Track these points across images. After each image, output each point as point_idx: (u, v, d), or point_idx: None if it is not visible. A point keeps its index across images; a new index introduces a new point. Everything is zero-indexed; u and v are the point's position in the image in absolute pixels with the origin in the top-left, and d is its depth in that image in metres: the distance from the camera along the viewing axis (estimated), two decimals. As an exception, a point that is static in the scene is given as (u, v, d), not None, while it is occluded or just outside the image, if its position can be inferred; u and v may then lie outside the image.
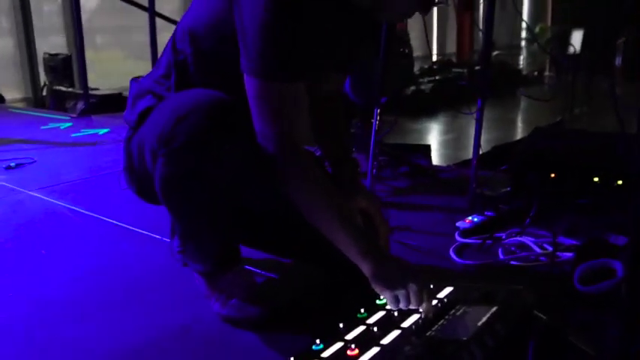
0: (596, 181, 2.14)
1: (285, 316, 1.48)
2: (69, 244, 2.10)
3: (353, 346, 1.15)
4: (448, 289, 1.40)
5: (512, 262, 1.74)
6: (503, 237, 1.87)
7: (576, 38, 11.23)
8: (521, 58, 15.26)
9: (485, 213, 2.04)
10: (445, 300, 1.33)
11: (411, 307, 1.26)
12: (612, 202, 2.01)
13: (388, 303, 1.30)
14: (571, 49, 11.70)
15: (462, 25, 13.95)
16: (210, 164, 1.33)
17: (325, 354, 1.16)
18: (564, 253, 1.69)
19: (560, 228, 1.84)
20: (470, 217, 2.01)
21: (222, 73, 1.40)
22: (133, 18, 4.57)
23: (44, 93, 7.07)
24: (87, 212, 2.41)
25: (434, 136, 7.98)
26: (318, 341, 1.19)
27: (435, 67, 11.82)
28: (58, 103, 6.51)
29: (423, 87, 9.38)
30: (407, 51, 2.17)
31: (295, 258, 1.74)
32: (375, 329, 1.23)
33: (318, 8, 1.31)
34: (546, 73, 13.27)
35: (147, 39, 4.56)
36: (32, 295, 1.70)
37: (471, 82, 8.78)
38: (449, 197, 2.37)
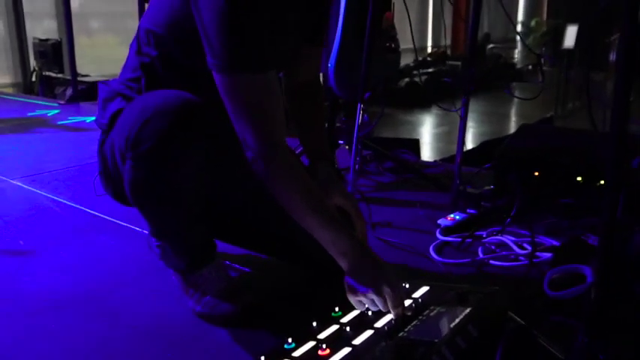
0: (579, 181, 2.13)
1: (259, 313, 1.47)
2: (48, 234, 2.07)
3: (324, 345, 1.14)
4: (424, 289, 1.39)
5: (492, 262, 1.73)
6: (484, 235, 1.87)
7: (570, 33, 11.22)
8: (517, 51, 15.26)
9: (468, 211, 2.04)
10: (419, 300, 1.33)
11: (382, 310, 1.25)
12: (595, 203, 2.00)
13: (354, 304, 1.29)
14: (565, 44, 11.71)
15: (457, 17, 13.91)
16: (178, 166, 1.31)
17: (296, 353, 1.15)
18: (543, 254, 1.68)
19: (541, 228, 1.84)
20: (452, 215, 2.00)
21: (190, 73, 1.38)
22: (127, 4, 4.53)
23: (34, 79, 7.01)
24: (68, 202, 2.39)
25: (426, 129, 7.98)
26: (290, 340, 1.18)
27: (429, 59, 11.81)
28: (47, 89, 6.47)
29: (416, 79, 9.37)
30: (393, 46, 2.16)
31: (272, 254, 1.73)
32: (348, 329, 1.22)
33: None
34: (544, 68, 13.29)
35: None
36: (8, 286, 1.68)
37: (456, 78, 8.76)
38: (432, 193, 2.36)
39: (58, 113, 4.50)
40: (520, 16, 16.25)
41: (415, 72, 9.45)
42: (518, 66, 13.79)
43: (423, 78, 9.68)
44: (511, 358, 1.05)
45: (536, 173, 2.17)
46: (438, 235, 1.92)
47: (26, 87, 7.30)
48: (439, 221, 1.98)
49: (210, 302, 1.45)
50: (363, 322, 1.25)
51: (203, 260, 1.47)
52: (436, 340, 1.13)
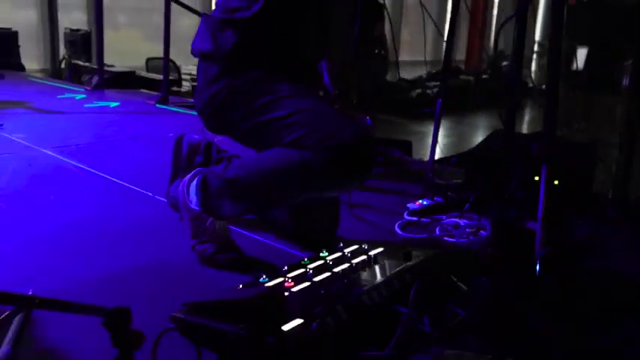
0: (536, 180, 2.43)
1: (247, 261, 1.80)
2: (71, 194, 2.42)
3: (290, 280, 1.46)
4: (379, 249, 1.71)
5: (445, 238, 2.04)
6: (444, 218, 2.18)
7: (580, 56, 11.47)
8: (532, 70, 15.41)
9: (435, 198, 2.35)
10: (372, 255, 1.64)
11: None
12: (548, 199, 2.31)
13: None
14: (574, 66, 11.94)
15: (472, 32, 14.17)
16: (332, 184, 1.63)
17: (268, 284, 1.47)
18: (484, 232, 2.00)
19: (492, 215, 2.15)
20: (420, 201, 2.32)
21: None
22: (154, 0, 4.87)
23: (62, 66, 7.41)
24: (90, 169, 2.74)
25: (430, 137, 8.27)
26: (264, 276, 1.50)
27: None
28: (74, 76, 6.85)
29: (428, 91, 9.65)
30: (382, 52, 2.43)
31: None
32: (311, 271, 1.54)
33: None
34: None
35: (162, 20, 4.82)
36: (32, 229, 2.02)
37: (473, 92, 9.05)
38: (409, 184, 2.68)
39: (84, 98, 4.87)
40: (537, 36, 16.49)
41: (428, 84, 9.71)
42: (531, 84, 14.01)
43: (435, 90, 9.95)
44: (427, 293, 1.36)
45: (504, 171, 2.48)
46: (405, 216, 2.24)
47: (54, 73, 7.70)
48: (408, 205, 2.30)
49: (205, 247, 1.78)
50: (323, 268, 1.57)
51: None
52: (377, 282, 1.45)
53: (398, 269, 1.54)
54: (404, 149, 3.57)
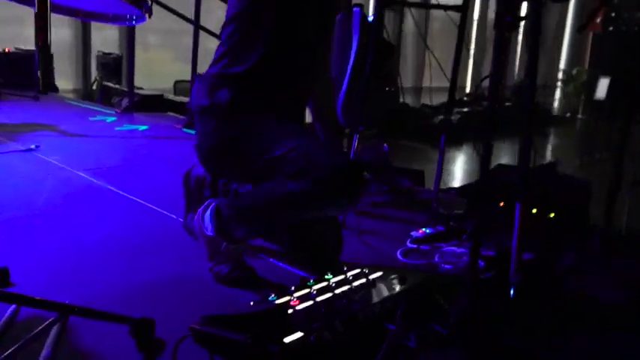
0: (534, 213, 2.59)
1: (258, 281, 1.99)
2: (102, 213, 2.65)
3: (295, 299, 1.65)
4: (378, 273, 1.89)
5: (442, 265, 2.21)
6: (443, 246, 2.35)
7: (602, 85, 11.55)
8: (555, 98, 15.45)
9: (437, 227, 2.52)
10: (371, 278, 1.82)
11: None
12: (543, 231, 2.47)
13: None
14: (596, 96, 12.03)
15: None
16: (327, 206, 1.80)
17: (276, 302, 1.66)
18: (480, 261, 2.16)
19: (490, 244, 2.31)
20: (423, 229, 2.49)
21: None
22: (183, 22, 5.10)
23: (94, 87, 7.72)
24: (119, 191, 2.96)
25: (453, 165, 8.42)
26: (273, 294, 1.68)
27: (465, 99, 12.25)
28: (105, 97, 7.15)
29: (452, 117, 9.79)
30: (392, 89, 2.62)
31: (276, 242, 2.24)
32: (315, 292, 1.72)
33: None
34: (579, 116, 13.58)
35: (190, 42, 5.05)
36: (66, 244, 2.23)
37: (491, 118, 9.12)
38: (416, 213, 2.85)
39: (114, 120, 5.14)
40: (562, 64, 16.59)
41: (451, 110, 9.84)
42: (555, 113, 14.07)
43: (457, 117, 10.09)
44: (414, 312, 1.54)
45: (502, 203, 2.64)
46: (408, 243, 2.41)
47: (86, 94, 8.03)
48: (411, 232, 2.47)
49: (223, 268, 1.98)
50: (326, 290, 1.74)
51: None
52: (373, 302, 1.63)
53: (392, 291, 1.71)
54: (416, 178, 3.75)
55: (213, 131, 1.91)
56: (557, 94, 15.56)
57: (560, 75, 15.49)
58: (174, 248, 2.24)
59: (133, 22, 1.53)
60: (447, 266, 2.22)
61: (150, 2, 1.45)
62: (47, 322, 1.35)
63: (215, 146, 1.93)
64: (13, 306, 1.50)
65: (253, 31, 1.88)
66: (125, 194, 2.92)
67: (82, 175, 3.23)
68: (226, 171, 2.03)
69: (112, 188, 3.01)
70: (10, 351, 1.21)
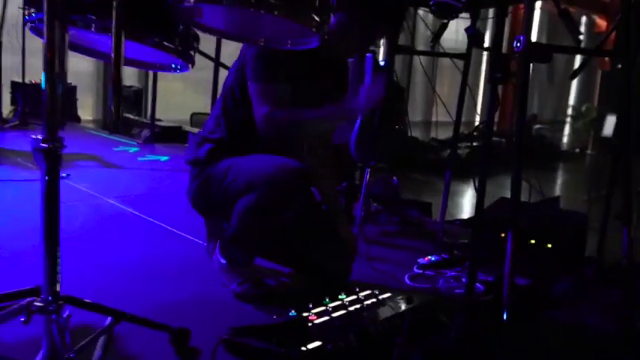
0: (532, 243, 2.79)
1: (277, 297, 2.19)
2: (131, 237, 2.87)
3: (313, 315, 1.85)
4: (387, 294, 2.09)
5: (447, 289, 2.41)
6: (447, 272, 2.56)
7: (610, 122, 11.74)
8: (565, 134, 15.60)
9: (442, 255, 2.73)
10: (381, 298, 2.03)
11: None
12: (539, 259, 2.67)
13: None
14: (604, 133, 12.22)
15: (506, 95, 14.55)
16: (289, 203, 2.06)
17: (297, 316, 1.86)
18: (479, 285, 2.37)
19: (491, 271, 2.51)
20: (429, 257, 2.70)
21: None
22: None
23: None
24: (146, 217, 3.19)
25: (460, 197, 8.62)
26: (293, 311, 1.89)
27: (475, 133, 12.48)
28: (125, 128, 7.44)
29: (460, 151, 10.01)
30: (402, 127, 2.84)
31: (292, 267, 2.46)
32: (331, 309, 1.92)
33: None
34: (588, 151, 13.76)
35: (205, 75, 5.31)
36: (101, 265, 2.45)
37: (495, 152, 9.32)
38: (422, 242, 3.06)
39: (137, 151, 5.40)
40: (572, 100, 16.82)
41: (460, 144, 10.06)
42: (565, 148, 14.25)
43: (465, 151, 10.30)
44: (417, 327, 1.74)
45: (502, 234, 2.85)
46: (415, 269, 2.62)
47: (105, 124, 8.32)
48: (418, 259, 2.68)
49: (246, 287, 2.19)
50: (341, 307, 1.95)
51: (249, 262, 2.25)
52: (381, 318, 1.84)
53: (399, 309, 1.92)
54: (424, 210, 3.97)
55: (194, 179, 2.29)
56: (567, 129, 15.70)
57: (569, 111, 15.69)
58: (201, 269, 2.45)
59: (177, 71, 1.75)
60: (449, 290, 2.42)
61: (193, 54, 1.68)
62: (105, 326, 1.56)
63: (196, 190, 2.28)
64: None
65: (236, 114, 2.25)
66: (152, 220, 3.15)
67: (111, 202, 3.47)
68: (209, 209, 2.33)
69: (140, 214, 3.25)
70: (78, 347, 1.41)
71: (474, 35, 1.93)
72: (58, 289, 1.33)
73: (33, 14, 1.50)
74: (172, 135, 6.58)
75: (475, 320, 1.71)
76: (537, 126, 14.59)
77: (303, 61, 2.13)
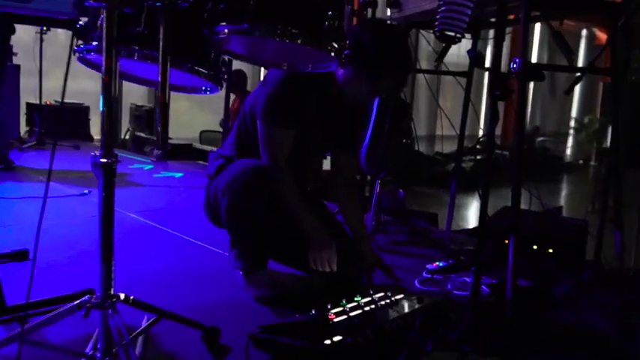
0: (535, 249, 2.96)
1: (294, 300, 2.36)
2: (154, 248, 3.05)
3: (333, 314, 2.02)
4: (400, 295, 2.26)
5: (454, 292, 2.58)
6: (453, 276, 2.72)
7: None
8: (568, 146, 15.71)
9: (450, 261, 2.89)
10: (394, 299, 2.19)
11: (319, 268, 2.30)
12: (541, 264, 2.83)
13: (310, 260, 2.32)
14: (607, 144, 12.35)
15: (508, 110, 14.70)
16: (252, 203, 2.26)
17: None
18: (484, 287, 2.53)
19: (495, 275, 2.67)
20: (437, 262, 2.86)
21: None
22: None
23: (127, 137, 8.23)
24: (167, 229, 3.37)
25: (466, 209, 8.77)
26: (313, 311, 2.06)
27: (478, 146, 12.65)
28: (137, 146, 7.64)
29: (464, 165, 10.15)
30: (408, 141, 3.01)
31: (303, 269, 2.62)
32: (348, 309, 2.09)
33: (310, 95, 2.29)
34: (591, 163, 13.89)
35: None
36: (128, 273, 2.61)
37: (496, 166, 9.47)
38: (430, 249, 3.22)
39: (152, 168, 5.59)
40: (574, 113, 16.97)
41: (464, 158, 10.21)
42: (568, 160, 14.39)
43: (470, 164, 10.45)
44: (428, 324, 1.91)
45: (506, 241, 3.01)
46: (424, 274, 2.78)
47: (118, 143, 8.53)
48: (427, 265, 2.84)
49: (261, 291, 2.36)
50: (357, 307, 2.11)
51: (258, 266, 2.41)
52: (392, 318, 2.00)
53: (411, 308, 2.08)
54: (430, 220, 4.14)
55: (206, 191, 2.50)
56: (570, 141, 15.80)
57: (572, 123, 15.82)
58: (222, 277, 2.61)
59: (207, 92, 1.93)
60: (456, 292, 2.58)
61: (224, 77, 1.86)
62: (148, 322, 1.73)
63: (205, 202, 2.52)
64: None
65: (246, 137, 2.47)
66: (173, 232, 3.33)
67: (133, 215, 3.65)
68: (215, 220, 2.52)
69: (161, 227, 3.42)
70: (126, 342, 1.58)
71: (475, 57, 2.10)
72: (112, 289, 1.50)
73: (81, 45, 1.69)
74: (184, 152, 6.79)
75: (481, 317, 1.87)
76: (540, 138, 14.76)
77: (317, 105, 2.34)
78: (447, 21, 2.04)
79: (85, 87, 8.45)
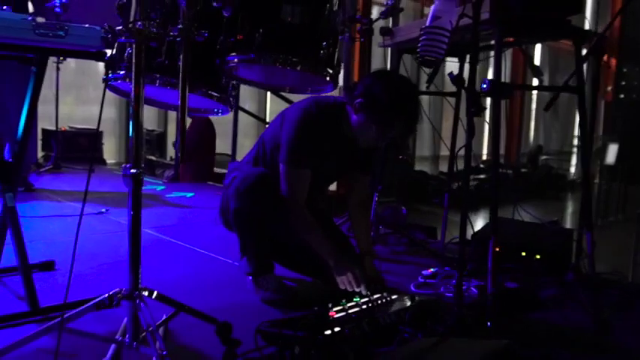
0: (523, 255, 3.18)
1: (298, 301, 2.58)
2: (170, 260, 3.28)
3: (333, 312, 2.25)
4: (395, 296, 2.48)
5: (446, 294, 2.80)
6: (448, 281, 2.94)
7: (612, 151, 12.07)
8: (572, 164, 15.85)
9: (445, 268, 3.11)
10: (389, 298, 2.41)
11: (348, 288, 2.47)
12: (529, 268, 3.05)
13: (339, 284, 2.50)
14: (606, 161, 12.55)
15: (511, 129, 14.97)
16: (256, 204, 2.51)
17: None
18: (474, 289, 2.75)
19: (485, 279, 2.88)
20: (431, 269, 3.08)
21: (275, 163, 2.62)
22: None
23: (138, 160, 8.49)
24: (181, 243, 3.61)
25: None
26: (316, 309, 2.28)
27: (481, 166, 12.87)
28: (148, 169, 7.90)
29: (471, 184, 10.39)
30: (405, 157, 3.23)
31: (308, 274, 2.85)
32: (347, 307, 2.31)
33: (325, 136, 2.52)
34: (596, 181, 14.02)
35: (218, 117, 5.76)
36: (147, 282, 2.83)
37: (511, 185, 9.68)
38: (426, 258, 3.45)
39: (164, 189, 5.85)
40: (577, 131, 17.14)
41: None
42: (571, 177, 14.56)
43: (474, 184, 10.65)
44: (417, 319, 2.13)
45: (497, 249, 3.23)
46: (419, 279, 3.01)
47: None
48: (422, 271, 3.06)
49: (268, 294, 2.59)
50: (355, 306, 2.34)
51: (265, 270, 2.64)
52: (388, 312, 2.23)
53: (404, 305, 2.31)
54: (429, 233, 4.36)
55: (221, 198, 2.77)
56: (574, 159, 15.95)
57: (575, 141, 15.98)
58: (233, 284, 2.85)
59: (219, 114, 2.18)
60: (448, 294, 2.80)
61: (233, 99, 2.11)
62: (169, 315, 1.96)
63: (220, 209, 2.77)
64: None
65: (262, 162, 2.72)
66: (187, 245, 3.57)
67: (149, 231, 3.89)
68: (227, 225, 2.77)
69: (176, 241, 3.66)
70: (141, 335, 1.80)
71: (456, 79, 2.35)
72: (139, 283, 1.74)
73: (110, 74, 1.96)
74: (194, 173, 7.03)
75: (467, 313, 2.10)
76: (544, 157, 14.95)
77: (332, 144, 2.59)
78: (426, 48, 2.29)
79: (97, 112, 8.75)
